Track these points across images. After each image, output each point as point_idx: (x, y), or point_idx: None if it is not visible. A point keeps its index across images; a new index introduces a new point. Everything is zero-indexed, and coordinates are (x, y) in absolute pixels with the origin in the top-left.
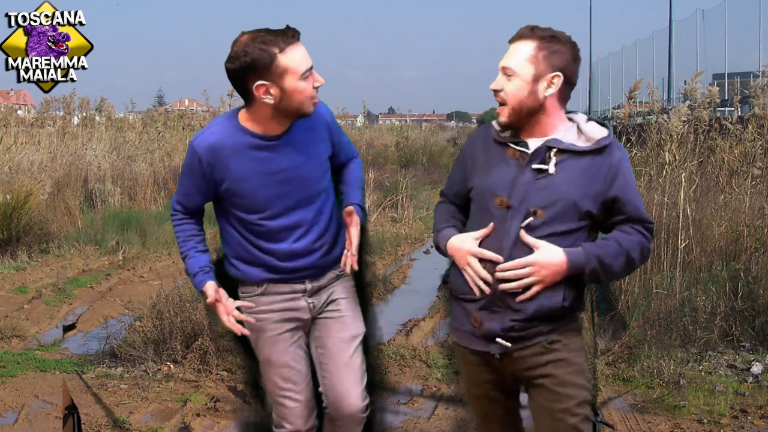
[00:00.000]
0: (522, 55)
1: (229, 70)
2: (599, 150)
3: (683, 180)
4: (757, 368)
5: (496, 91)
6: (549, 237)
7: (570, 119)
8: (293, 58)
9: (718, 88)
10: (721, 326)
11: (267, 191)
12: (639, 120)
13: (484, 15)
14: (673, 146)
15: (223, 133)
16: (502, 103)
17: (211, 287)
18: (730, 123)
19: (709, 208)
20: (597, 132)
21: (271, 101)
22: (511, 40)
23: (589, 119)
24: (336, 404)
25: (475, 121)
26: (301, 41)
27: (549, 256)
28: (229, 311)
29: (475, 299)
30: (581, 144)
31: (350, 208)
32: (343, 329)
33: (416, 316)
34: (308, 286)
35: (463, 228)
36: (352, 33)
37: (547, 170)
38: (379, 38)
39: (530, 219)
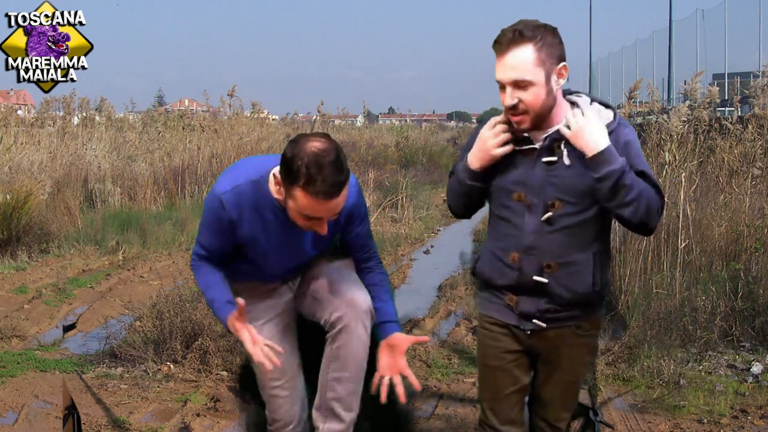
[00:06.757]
0: (528, 62)
1: None
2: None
3: (683, 180)
4: (757, 368)
5: (513, 106)
6: (568, 228)
7: (573, 102)
8: (302, 200)
9: (718, 88)
10: (721, 326)
11: (262, 249)
12: (639, 120)
13: (484, 15)
14: (673, 146)
15: (251, 189)
16: (523, 113)
17: (233, 314)
18: (730, 123)
19: (709, 208)
20: (602, 118)
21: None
22: (502, 50)
23: (593, 101)
24: (339, 306)
25: (475, 121)
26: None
27: (595, 127)
28: (257, 341)
29: (508, 284)
30: None
31: (384, 342)
32: (324, 265)
33: (416, 316)
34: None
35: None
36: (352, 33)
37: (556, 162)
38: (379, 38)
39: (549, 213)
